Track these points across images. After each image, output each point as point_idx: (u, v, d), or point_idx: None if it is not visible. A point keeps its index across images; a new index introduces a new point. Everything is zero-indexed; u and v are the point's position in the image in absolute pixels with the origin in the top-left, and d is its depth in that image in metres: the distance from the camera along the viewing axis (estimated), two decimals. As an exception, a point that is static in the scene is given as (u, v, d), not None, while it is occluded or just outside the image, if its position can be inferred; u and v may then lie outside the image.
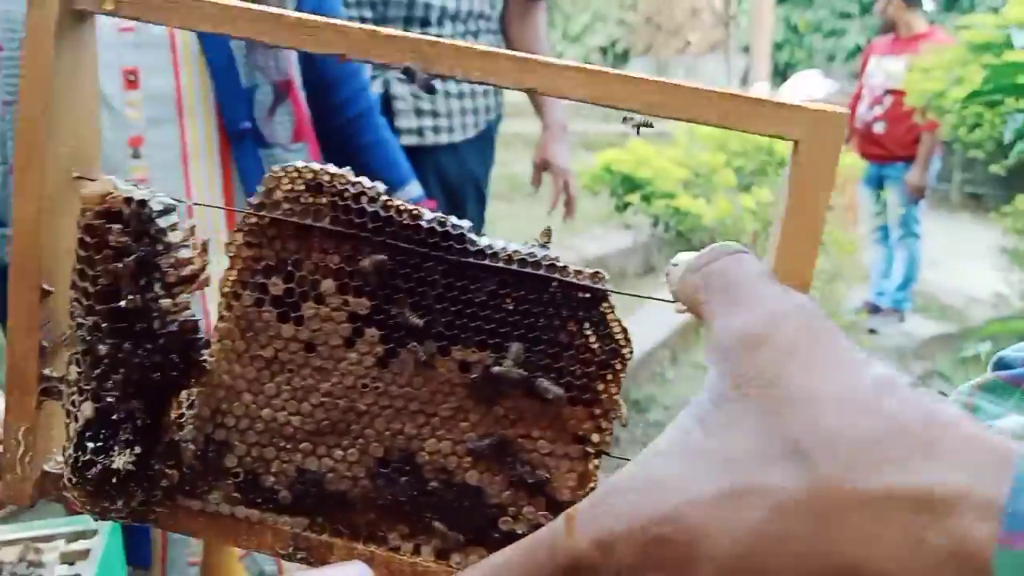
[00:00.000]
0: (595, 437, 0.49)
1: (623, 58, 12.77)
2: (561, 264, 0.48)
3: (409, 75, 0.44)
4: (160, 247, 0.48)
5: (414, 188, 1.76)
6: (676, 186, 3.49)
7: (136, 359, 0.48)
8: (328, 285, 0.49)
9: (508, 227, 5.81)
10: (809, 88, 7.98)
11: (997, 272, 5.38)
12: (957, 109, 4.31)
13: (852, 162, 3.82)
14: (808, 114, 0.41)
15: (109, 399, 0.49)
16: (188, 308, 0.49)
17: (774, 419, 0.34)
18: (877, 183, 5.47)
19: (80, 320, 0.49)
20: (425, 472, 0.50)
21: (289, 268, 0.49)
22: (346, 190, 0.48)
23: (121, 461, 0.49)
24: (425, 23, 2.24)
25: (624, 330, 0.48)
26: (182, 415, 0.51)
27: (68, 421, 0.51)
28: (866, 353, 0.36)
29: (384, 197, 0.48)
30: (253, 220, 0.49)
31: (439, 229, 0.48)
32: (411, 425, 0.50)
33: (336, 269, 0.49)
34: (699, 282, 0.41)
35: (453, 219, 0.48)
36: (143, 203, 0.48)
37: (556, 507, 0.49)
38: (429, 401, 0.49)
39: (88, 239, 0.48)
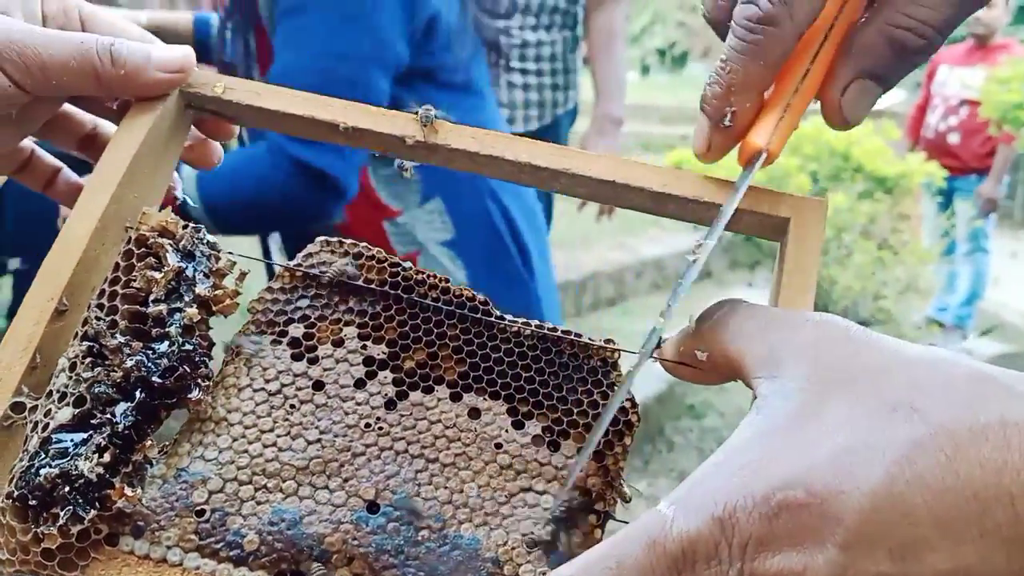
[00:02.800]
0: (600, 504, 0.47)
1: (681, 61, 11.54)
2: (577, 335, 0.51)
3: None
4: (202, 269, 0.50)
5: None
6: (750, 188, 3.09)
7: (143, 358, 0.47)
8: (350, 332, 0.51)
9: (564, 226, 5.10)
10: None
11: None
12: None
13: (928, 170, 3.28)
14: (795, 199, 0.50)
15: (95, 400, 0.46)
16: (209, 328, 0.50)
17: (864, 389, 0.36)
18: (946, 196, 4.99)
19: (95, 322, 0.48)
20: (417, 520, 0.46)
21: (313, 318, 0.51)
22: (384, 259, 0.53)
23: (87, 466, 0.45)
24: (495, 15, 2.22)
25: (632, 399, 0.49)
26: (163, 448, 0.48)
27: (30, 435, 0.47)
28: None
29: (415, 268, 0.53)
30: (282, 280, 0.52)
31: (466, 293, 0.52)
32: (409, 469, 0.47)
33: (361, 322, 0.51)
34: (722, 325, 0.44)
35: (472, 292, 0.52)
36: (198, 229, 0.51)
37: (557, 563, 0.45)
38: (432, 445, 0.48)
39: (135, 248, 0.50)
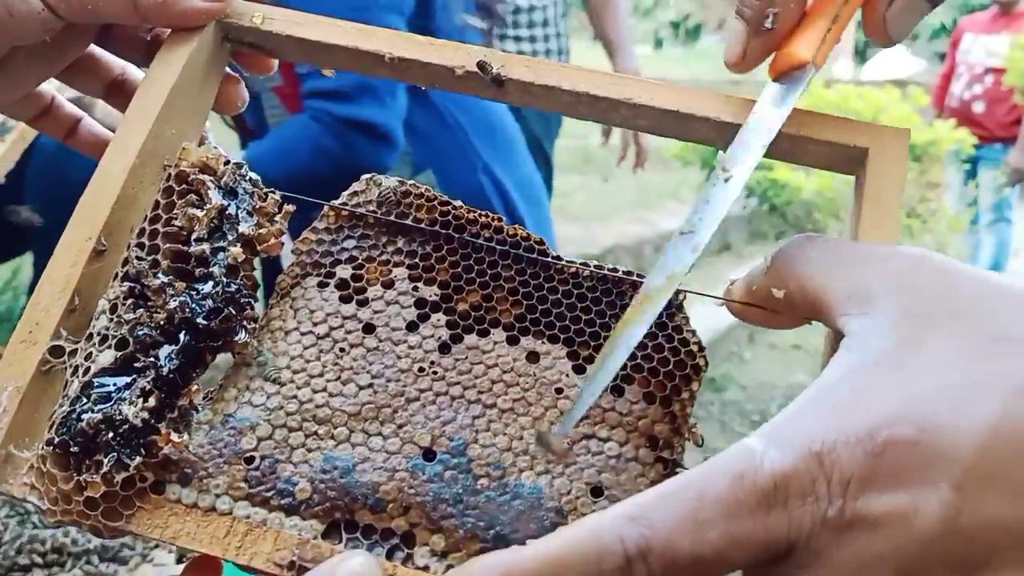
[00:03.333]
0: (667, 451, 0.45)
1: (695, 33, 11.37)
2: (639, 275, 0.48)
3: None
4: (246, 207, 0.48)
5: None
6: (774, 156, 3.15)
7: (187, 299, 0.45)
8: (400, 273, 0.48)
9: (581, 199, 5.32)
10: (895, 66, 7.55)
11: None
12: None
13: (957, 137, 3.20)
14: (874, 128, 0.47)
15: (138, 342, 0.44)
16: (254, 269, 0.47)
17: (966, 322, 0.34)
18: (971, 166, 4.95)
19: (135, 262, 0.46)
20: (475, 467, 0.43)
21: (361, 259, 0.49)
22: (433, 197, 0.50)
23: (131, 411, 0.42)
24: None
25: (699, 343, 0.47)
26: (208, 394, 0.46)
27: (70, 379, 0.45)
28: None
29: (465, 207, 0.50)
30: (327, 220, 0.50)
31: (520, 233, 0.49)
32: (465, 415, 0.45)
33: (411, 263, 0.49)
34: (800, 262, 0.41)
35: (527, 232, 0.50)
36: (240, 165, 0.49)
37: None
38: (489, 390, 0.45)
39: (175, 185, 0.48)
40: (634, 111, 0.50)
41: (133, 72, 0.58)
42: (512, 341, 0.47)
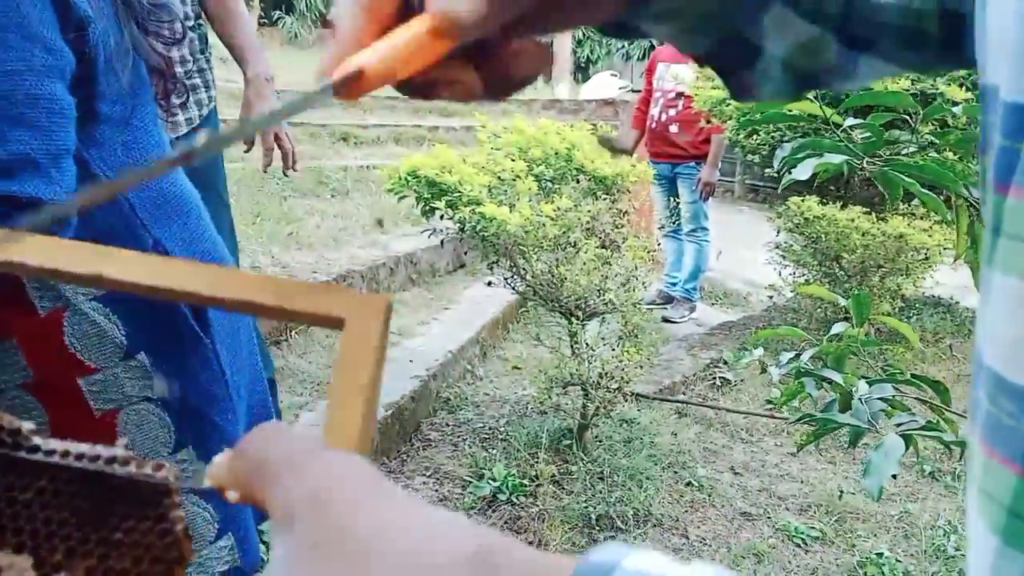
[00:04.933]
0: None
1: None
2: (124, 457, 0.46)
3: None
4: None
5: None
6: (481, 192, 3.23)
7: None
8: None
9: (313, 224, 5.35)
10: (603, 88, 8.53)
11: (772, 266, 5.62)
12: (737, 116, 4.55)
13: (639, 172, 3.62)
14: (353, 297, 0.48)
15: None
16: None
17: (355, 564, 0.35)
18: (671, 182, 5.62)
19: None
20: None
21: None
22: None
23: None
24: (162, 39, 2.03)
25: (186, 528, 0.46)
26: None
27: None
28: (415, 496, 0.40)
29: None
30: None
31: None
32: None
33: None
34: (251, 463, 0.41)
35: (9, 417, 0.46)
36: None
37: None
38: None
39: None
40: (170, 292, 0.47)
41: None
42: (-31, 557, 0.43)
